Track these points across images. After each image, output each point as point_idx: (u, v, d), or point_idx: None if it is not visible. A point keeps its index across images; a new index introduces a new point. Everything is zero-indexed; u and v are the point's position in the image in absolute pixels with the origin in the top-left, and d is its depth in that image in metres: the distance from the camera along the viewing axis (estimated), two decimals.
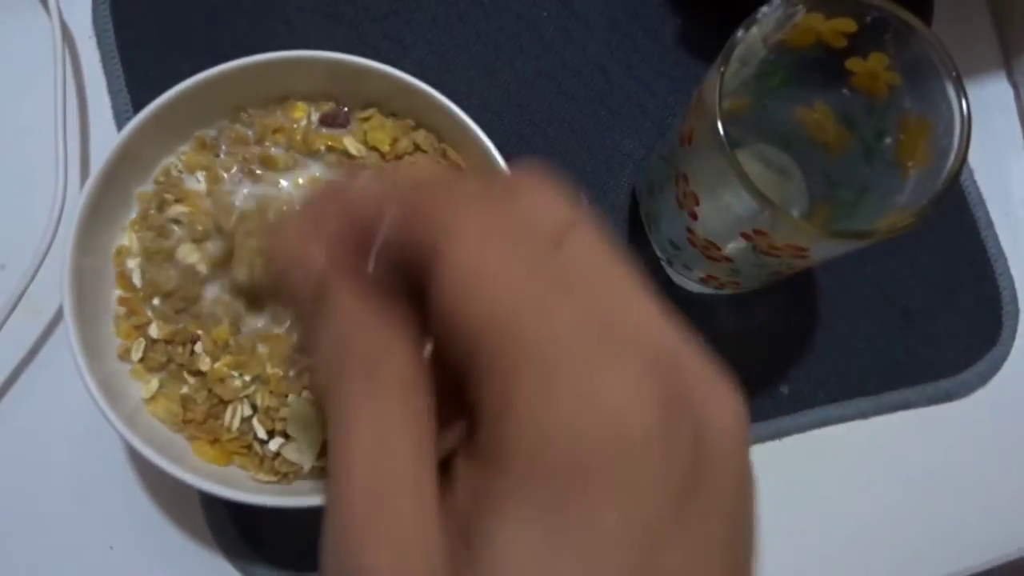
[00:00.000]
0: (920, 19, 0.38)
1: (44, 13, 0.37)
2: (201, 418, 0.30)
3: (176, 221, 0.32)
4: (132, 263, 0.31)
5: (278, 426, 0.30)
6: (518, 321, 0.15)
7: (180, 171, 0.33)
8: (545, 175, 0.18)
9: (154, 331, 0.31)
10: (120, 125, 0.36)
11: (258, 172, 0.33)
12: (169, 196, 0.32)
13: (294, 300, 0.17)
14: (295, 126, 0.33)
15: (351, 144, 0.33)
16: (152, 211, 0.32)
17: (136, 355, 0.31)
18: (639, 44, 0.40)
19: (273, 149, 0.33)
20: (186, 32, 0.37)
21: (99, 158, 0.36)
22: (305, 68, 0.32)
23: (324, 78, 0.33)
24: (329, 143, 0.33)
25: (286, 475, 0.30)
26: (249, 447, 0.31)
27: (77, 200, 0.31)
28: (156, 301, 0.31)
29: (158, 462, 0.28)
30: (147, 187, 0.33)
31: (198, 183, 0.33)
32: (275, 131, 0.33)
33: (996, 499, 0.38)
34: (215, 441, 0.30)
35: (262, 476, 0.30)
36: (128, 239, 0.32)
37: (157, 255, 0.31)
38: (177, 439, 0.31)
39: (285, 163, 0.33)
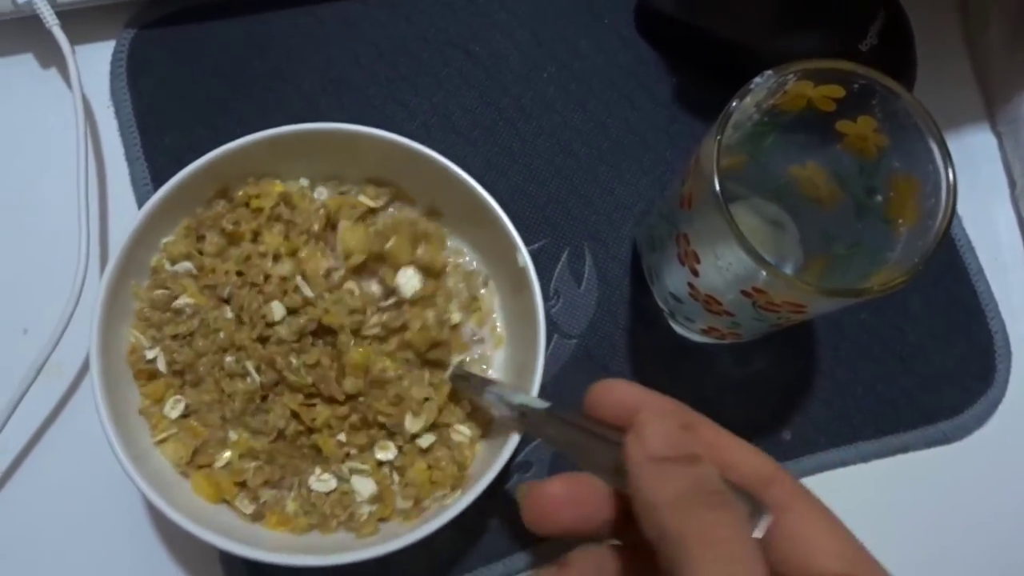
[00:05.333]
0: (905, 75, 0.40)
1: (63, 83, 0.39)
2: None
3: (180, 311, 0.33)
4: (151, 354, 0.32)
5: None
6: None
7: (170, 262, 0.34)
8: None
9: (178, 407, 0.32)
10: (137, 192, 0.37)
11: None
12: (165, 291, 0.33)
13: None
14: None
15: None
16: (147, 309, 0.33)
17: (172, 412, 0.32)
18: (636, 102, 0.41)
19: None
20: (201, 100, 0.39)
21: (118, 224, 0.38)
22: (312, 140, 0.33)
23: (328, 148, 0.34)
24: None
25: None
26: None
27: (97, 266, 0.33)
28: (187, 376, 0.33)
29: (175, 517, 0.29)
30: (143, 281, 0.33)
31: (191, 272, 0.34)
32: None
33: (995, 539, 0.38)
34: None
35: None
36: (135, 338, 0.32)
37: (174, 339, 0.33)
38: (180, 482, 0.32)
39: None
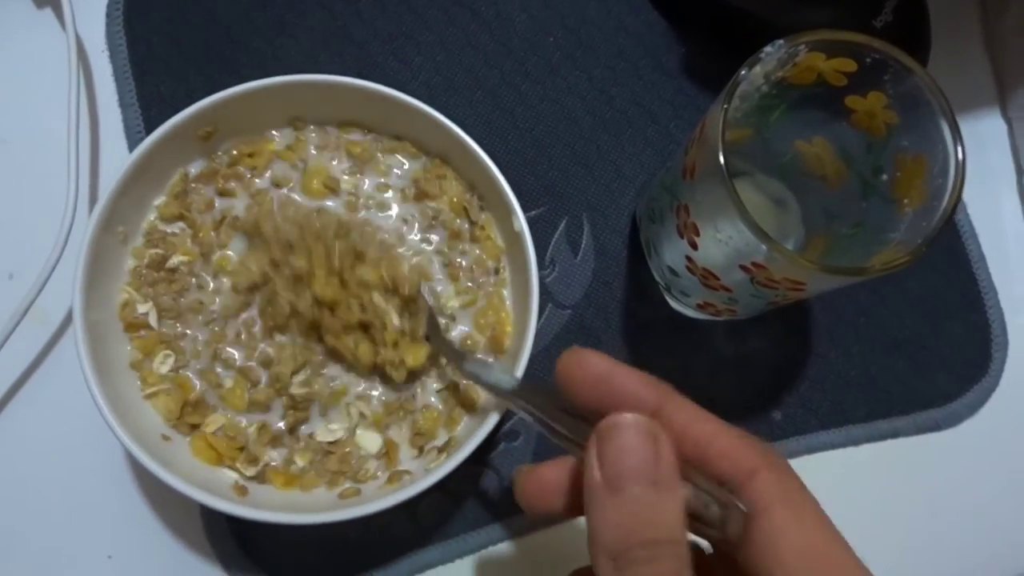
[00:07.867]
0: (918, 55, 0.40)
1: (58, 25, 0.38)
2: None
3: (174, 270, 0.33)
4: (143, 308, 0.32)
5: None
6: None
7: (163, 222, 0.33)
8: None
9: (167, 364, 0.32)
10: (130, 139, 0.37)
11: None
12: (159, 251, 0.32)
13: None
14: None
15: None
16: (145, 268, 0.32)
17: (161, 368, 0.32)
18: (643, 72, 0.41)
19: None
20: (198, 48, 0.38)
21: (108, 171, 0.37)
22: (310, 92, 0.33)
23: (327, 100, 0.33)
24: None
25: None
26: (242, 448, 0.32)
27: (86, 212, 0.32)
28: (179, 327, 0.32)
29: (152, 468, 0.28)
30: (138, 241, 0.33)
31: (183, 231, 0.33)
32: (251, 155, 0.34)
33: (982, 527, 0.38)
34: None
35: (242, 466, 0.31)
36: (128, 294, 0.32)
37: (167, 298, 0.32)
38: (179, 442, 0.31)
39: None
